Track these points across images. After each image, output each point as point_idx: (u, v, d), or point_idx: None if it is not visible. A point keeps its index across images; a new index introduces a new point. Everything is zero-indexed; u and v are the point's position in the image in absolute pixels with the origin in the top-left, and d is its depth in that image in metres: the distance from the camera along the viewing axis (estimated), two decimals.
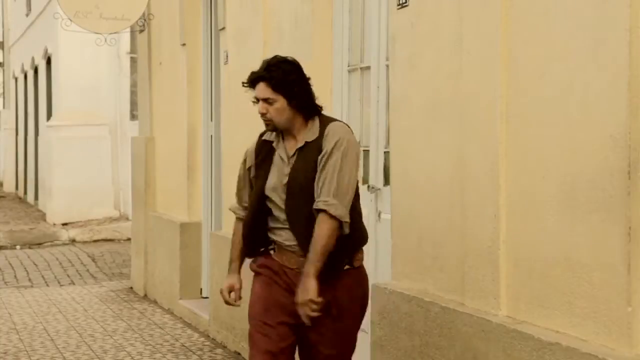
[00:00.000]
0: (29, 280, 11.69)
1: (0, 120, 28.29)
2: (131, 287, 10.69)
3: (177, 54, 9.31)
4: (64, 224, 16.81)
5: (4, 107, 29.14)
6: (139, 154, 10.55)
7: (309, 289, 4.06)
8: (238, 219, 4.52)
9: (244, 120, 7.26)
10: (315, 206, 4.12)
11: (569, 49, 3.68)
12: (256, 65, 4.40)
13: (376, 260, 5.50)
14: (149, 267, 10.11)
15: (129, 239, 13.45)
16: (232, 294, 4.47)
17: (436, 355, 4.52)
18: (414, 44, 4.84)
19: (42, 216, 18.67)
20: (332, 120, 4.32)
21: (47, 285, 11.28)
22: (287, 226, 4.26)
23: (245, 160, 4.47)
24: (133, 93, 16.64)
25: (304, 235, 4.19)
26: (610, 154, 3.44)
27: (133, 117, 16.79)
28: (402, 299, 4.82)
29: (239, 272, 4.48)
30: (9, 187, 26.03)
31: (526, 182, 3.97)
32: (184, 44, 9.09)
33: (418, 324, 4.68)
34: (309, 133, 4.24)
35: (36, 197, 21.44)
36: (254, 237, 4.40)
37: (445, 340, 4.45)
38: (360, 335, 4.44)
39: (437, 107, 4.67)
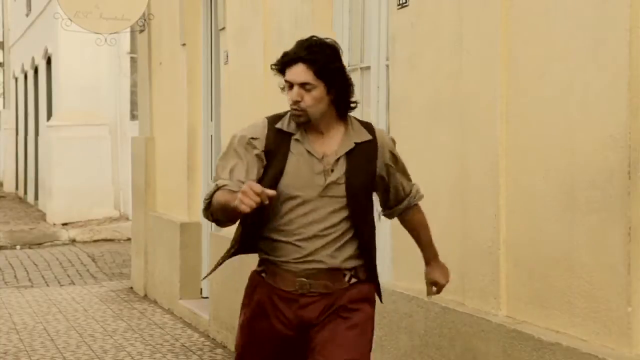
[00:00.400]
0: (29, 280, 11.68)
1: (1, 120, 28.28)
2: (131, 287, 10.69)
3: (177, 54, 9.31)
4: (64, 224, 16.81)
5: (4, 107, 29.13)
6: (139, 154, 10.54)
7: (447, 271, 3.94)
8: (224, 189, 3.60)
9: (244, 120, 7.26)
10: (410, 201, 3.87)
11: (569, 49, 3.68)
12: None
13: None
14: (149, 267, 10.11)
15: (129, 239, 13.45)
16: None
17: (436, 355, 4.52)
18: (414, 44, 4.84)
19: (42, 216, 18.67)
20: (365, 122, 3.88)
21: (47, 285, 11.27)
22: (297, 237, 3.66)
23: (249, 140, 3.68)
24: (133, 93, 16.63)
25: (368, 246, 3.75)
26: (610, 154, 3.44)
27: (133, 117, 16.78)
28: (402, 299, 4.82)
29: None
30: (9, 187, 26.02)
31: (526, 182, 3.97)
32: (184, 44, 9.09)
33: (418, 324, 4.68)
34: (354, 133, 3.72)
35: (36, 197, 21.43)
36: (252, 239, 3.82)
37: (445, 340, 4.45)
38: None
39: (437, 107, 4.67)
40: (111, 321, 8.80)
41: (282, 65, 3.68)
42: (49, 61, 19.80)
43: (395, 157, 3.82)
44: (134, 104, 16.44)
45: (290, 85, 3.64)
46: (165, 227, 9.52)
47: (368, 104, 5.71)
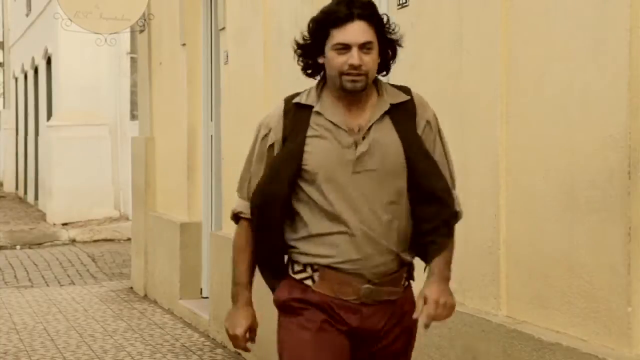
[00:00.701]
0: (29, 280, 11.68)
1: (1, 120, 28.27)
2: (131, 287, 10.69)
3: (177, 54, 9.31)
4: (64, 224, 16.80)
5: (4, 107, 29.13)
6: (139, 154, 10.54)
7: (450, 293, 3.16)
8: (244, 221, 3.28)
9: (244, 120, 7.26)
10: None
11: (569, 49, 3.68)
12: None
13: None
14: (149, 267, 10.11)
15: (129, 239, 13.44)
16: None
17: (436, 355, 4.52)
18: (414, 44, 4.84)
19: (42, 216, 18.66)
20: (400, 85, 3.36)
21: (47, 285, 11.27)
22: (349, 230, 3.09)
23: (264, 137, 3.25)
24: (133, 93, 16.63)
25: (400, 240, 3.15)
26: (610, 154, 3.44)
27: (133, 117, 16.77)
28: None
29: (251, 303, 3.34)
30: (9, 187, 26.02)
31: (526, 182, 3.96)
32: (184, 44, 9.09)
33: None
34: (388, 96, 3.21)
35: (36, 197, 21.43)
36: (275, 249, 3.20)
37: (445, 340, 4.44)
38: None
39: (437, 107, 4.64)
40: (111, 321, 8.80)
41: (332, 23, 3.09)
42: (49, 61, 19.80)
43: (431, 131, 3.24)
44: (134, 104, 16.43)
45: (343, 48, 3.08)
46: (165, 227, 9.52)
47: None
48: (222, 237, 7.70)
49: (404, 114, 3.20)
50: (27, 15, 22.89)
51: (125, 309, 9.47)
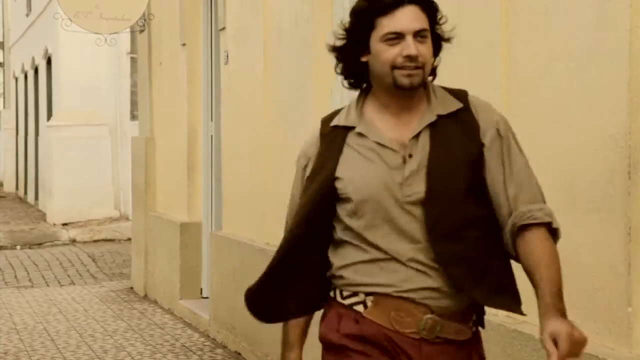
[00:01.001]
0: (30, 280, 11.68)
1: (1, 120, 28.27)
2: (131, 287, 10.69)
3: (177, 54, 9.31)
4: (64, 224, 16.80)
5: (4, 107, 29.12)
6: (139, 154, 10.54)
7: (574, 329, 2.54)
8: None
9: (244, 120, 7.26)
10: (528, 218, 2.63)
11: (569, 49, 3.68)
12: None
13: None
14: (149, 267, 10.11)
15: (129, 239, 13.45)
16: None
17: None
18: None
19: (42, 216, 18.66)
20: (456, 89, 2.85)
21: (48, 285, 11.27)
22: (398, 257, 2.62)
23: (304, 167, 2.82)
24: (133, 93, 16.63)
25: (459, 268, 2.61)
26: (610, 154, 3.44)
27: (133, 117, 16.77)
28: None
29: (301, 345, 2.85)
30: (9, 187, 26.02)
31: None
32: (184, 44, 9.09)
33: None
34: (437, 103, 2.71)
35: (36, 197, 21.43)
36: (307, 275, 2.74)
37: None
38: None
39: None
40: (111, 321, 8.80)
41: (379, 11, 2.63)
42: (49, 61, 19.80)
43: (501, 138, 2.70)
44: (134, 104, 16.43)
45: (395, 37, 2.62)
46: (165, 227, 9.52)
47: None
48: (222, 237, 7.70)
49: (457, 125, 2.68)
50: (27, 15, 22.88)
51: (125, 309, 9.47)
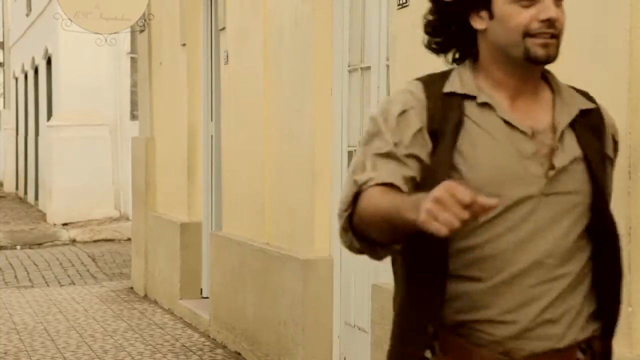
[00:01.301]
0: (30, 280, 11.69)
1: (1, 120, 28.29)
2: (131, 287, 10.69)
3: (177, 54, 9.31)
4: (64, 224, 16.81)
5: (4, 107, 29.13)
6: (139, 154, 10.55)
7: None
8: (376, 188, 2.10)
9: (244, 120, 7.26)
10: None
11: (569, 49, 3.68)
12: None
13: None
14: (149, 267, 10.11)
15: (129, 239, 13.45)
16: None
17: None
18: (414, 44, 4.84)
19: (43, 216, 18.67)
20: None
21: (48, 285, 11.28)
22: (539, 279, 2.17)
23: (398, 118, 2.16)
24: (133, 93, 16.63)
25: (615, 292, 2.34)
26: None
27: (133, 117, 16.78)
28: None
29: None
30: (9, 187, 26.02)
31: None
32: (184, 44, 9.09)
33: None
34: (569, 96, 2.33)
35: (36, 197, 21.44)
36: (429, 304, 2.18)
37: None
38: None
39: None
40: (111, 321, 8.80)
41: None
42: (49, 61, 19.80)
43: (616, 152, 2.40)
44: (134, 104, 16.44)
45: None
46: (166, 227, 9.52)
47: (368, 104, 5.70)
48: (222, 237, 7.70)
49: (593, 126, 2.30)
50: (27, 15, 22.89)
51: (125, 309, 9.47)
